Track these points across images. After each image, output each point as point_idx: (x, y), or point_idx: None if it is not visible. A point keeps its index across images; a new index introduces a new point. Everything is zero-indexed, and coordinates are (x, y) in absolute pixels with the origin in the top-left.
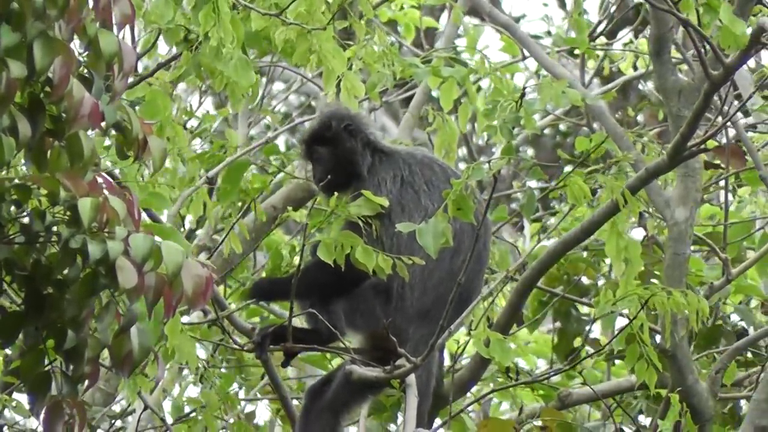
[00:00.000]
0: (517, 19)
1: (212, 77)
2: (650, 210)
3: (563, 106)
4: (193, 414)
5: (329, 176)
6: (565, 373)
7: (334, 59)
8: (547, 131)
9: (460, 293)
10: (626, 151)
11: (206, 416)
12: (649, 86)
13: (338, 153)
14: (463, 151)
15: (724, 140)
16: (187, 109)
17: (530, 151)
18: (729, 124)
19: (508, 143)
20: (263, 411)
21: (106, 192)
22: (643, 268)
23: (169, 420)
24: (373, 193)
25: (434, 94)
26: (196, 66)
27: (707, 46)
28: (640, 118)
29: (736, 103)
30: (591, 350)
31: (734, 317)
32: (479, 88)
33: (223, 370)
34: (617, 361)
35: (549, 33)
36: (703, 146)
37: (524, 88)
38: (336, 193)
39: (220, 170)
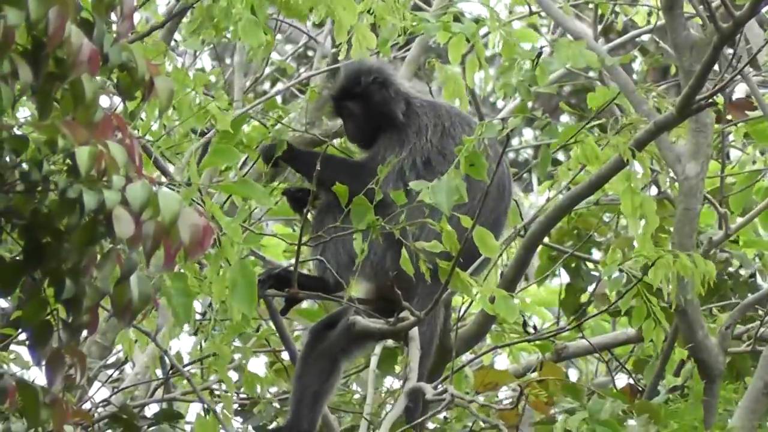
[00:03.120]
0: None
1: (223, 31)
2: (661, 165)
3: (581, 66)
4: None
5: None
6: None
7: (344, 11)
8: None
9: (473, 250)
10: (637, 106)
11: (219, 366)
12: (646, 39)
13: (370, 107)
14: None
15: (733, 95)
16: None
17: (529, 104)
18: (738, 78)
19: (523, 102)
20: (258, 366)
21: (113, 137)
22: None
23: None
24: (413, 140)
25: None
26: (210, 18)
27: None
28: (636, 66)
29: (745, 57)
30: (597, 307)
31: (743, 271)
32: (486, 44)
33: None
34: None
35: None
36: (711, 100)
37: (541, 47)
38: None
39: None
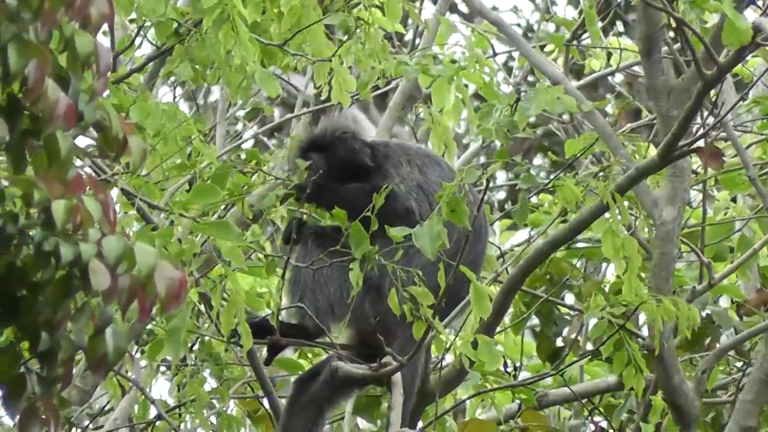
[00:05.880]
0: None
1: (203, 71)
2: (639, 210)
3: (558, 111)
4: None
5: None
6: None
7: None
8: None
9: (454, 295)
10: (615, 150)
11: (197, 409)
12: (617, 79)
13: (335, 159)
14: None
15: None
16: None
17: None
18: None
19: (503, 147)
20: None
21: (86, 193)
22: None
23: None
24: (393, 172)
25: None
26: (189, 60)
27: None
28: (609, 109)
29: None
30: (572, 351)
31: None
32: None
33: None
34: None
35: (519, 25)
36: (694, 146)
37: (519, 92)
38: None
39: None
